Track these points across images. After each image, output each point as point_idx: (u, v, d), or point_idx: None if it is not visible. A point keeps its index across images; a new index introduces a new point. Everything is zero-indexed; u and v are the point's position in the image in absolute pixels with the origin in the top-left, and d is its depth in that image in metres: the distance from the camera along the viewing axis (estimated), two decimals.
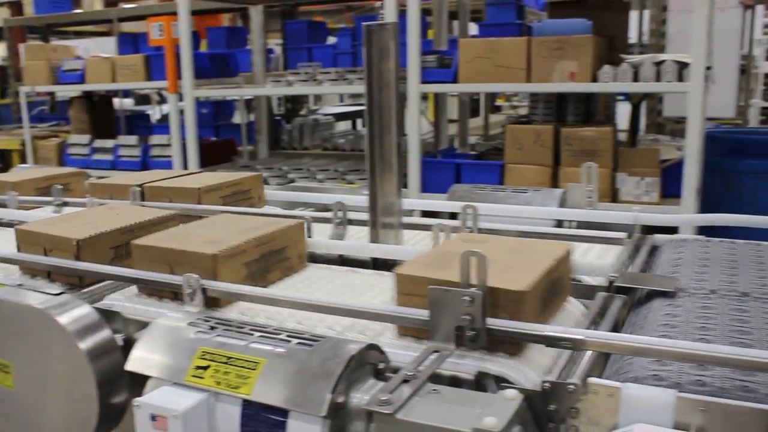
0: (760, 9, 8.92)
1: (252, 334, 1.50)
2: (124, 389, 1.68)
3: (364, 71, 2.12)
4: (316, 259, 2.21)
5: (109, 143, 6.50)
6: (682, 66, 4.04)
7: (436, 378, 1.36)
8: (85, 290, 1.96)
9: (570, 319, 1.70)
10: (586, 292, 1.84)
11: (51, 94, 8.53)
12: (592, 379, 1.31)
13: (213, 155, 6.24)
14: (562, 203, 2.58)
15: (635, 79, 4.18)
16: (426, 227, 2.39)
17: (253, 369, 1.40)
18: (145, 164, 6.20)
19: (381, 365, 1.43)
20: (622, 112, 5.97)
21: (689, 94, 3.97)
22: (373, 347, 1.43)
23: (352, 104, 9.73)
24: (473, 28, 6.18)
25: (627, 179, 4.38)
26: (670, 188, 4.27)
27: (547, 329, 1.41)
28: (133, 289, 1.95)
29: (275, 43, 7.96)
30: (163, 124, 7.58)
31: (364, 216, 2.29)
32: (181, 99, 5.71)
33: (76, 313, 1.72)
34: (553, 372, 1.39)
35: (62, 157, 6.75)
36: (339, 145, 6.75)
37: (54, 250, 2.04)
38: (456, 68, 4.69)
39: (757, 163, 4.95)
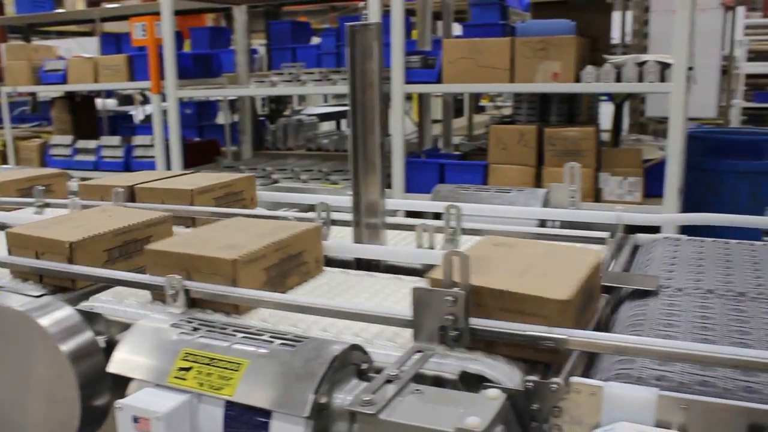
0: (740, 10, 9.00)
1: (235, 335, 1.50)
2: (106, 391, 1.67)
3: (347, 71, 2.12)
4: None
5: (91, 144, 6.46)
6: (665, 66, 4.06)
7: (419, 378, 1.37)
8: (76, 292, 1.95)
9: None
10: None
11: (32, 94, 8.48)
12: (575, 378, 1.31)
13: (196, 156, 6.21)
14: (546, 203, 2.59)
15: (618, 79, 4.20)
16: (410, 227, 2.39)
17: (236, 370, 1.40)
18: (128, 165, 6.17)
19: (364, 365, 1.43)
20: (605, 112, 6.00)
21: (671, 95, 4.00)
22: (356, 347, 1.43)
23: (336, 105, 9.74)
24: (457, 29, 6.19)
25: (610, 179, 4.40)
26: (653, 188, 4.29)
27: (529, 329, 1.42)
28: (121, 291, 1.93)
29: (259, 43, 7.93)
30: (146, 125, 7.53)
31: (348, 216, 2.29)
32: (164, 99, 5.68)
33: (57, 315, 1.71)
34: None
35: (44, 158, 6.70)
36: (323, 146, 6.74)
37: (46, 253, 2.01)
38: (440, 68, 4.69)
39: (738, 162, 5.00)
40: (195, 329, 1.55)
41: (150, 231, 2.19)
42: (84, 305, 1.85)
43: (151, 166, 5.84)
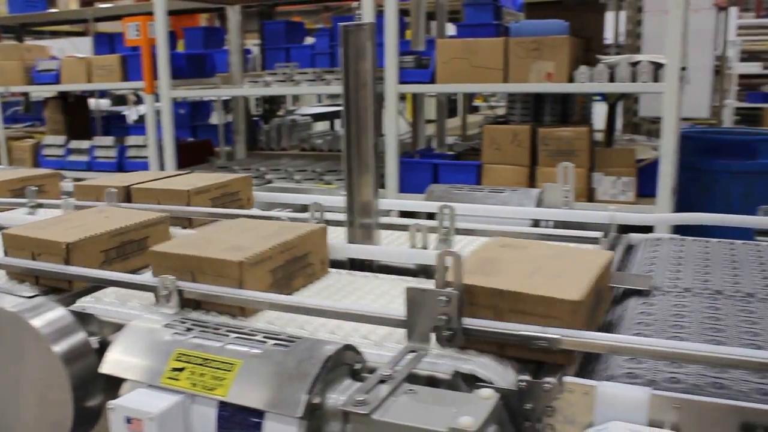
0: (733, 11, 9.02)
1: (228, 336, 1.50)
2: (99, 392, 1.67)
3: (341, 72, 2.12)
4: None
5: (84, 144, 6.44)
6: (658, 66, 4.08)
7: (413, 378, 1.37)
8: (70, 293, 1.94)
9: None
10: None
11: (25, 94, 8.44)
12: (568, 378, 1.32)
13: (190, 156, 6.20)
14: (539, 203, 2.60)
15: (611, 79, 4.21)
16: (403, 227, 2.39)
17: (229, 370, 1.40)
18: (121, 165, 6.17)
19: (357, 366, 1.43)
20: (599, 112, 6.02)
21: (664, 95, 4.01)
22: (349, 348, 1.43)
23: (330, 105, 9.72)
24: (451, 29, 6.19)
25: (603, 179, 4.41)
26: (646, 188, 4.30)
27: (522, 328, 1.42)
28: (124, 292, 1.91)
29: (253, 43, 7.93)
30: (139, 125, 7.53)
31: (342, 216, 2.29)
32: (157, 99, 5.67)
33: (50, 316, 1.70)
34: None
35: (37, 158, 6.68)
36: (317, 146, 6.74)
37: (43, 254, 2.00)
38: (434, 69, 4.69)
39: (730, 162, 5.01)
40: (188, 330, 1.55)
41: (147, 232, 2.18)
42: (77, 306, 1.84)
43: (144, 167, 5.84)
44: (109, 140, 6.40)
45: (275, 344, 1.44)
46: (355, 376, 1.42)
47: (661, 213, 3.84)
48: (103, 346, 1.69)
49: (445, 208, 2.27)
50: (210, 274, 1.76)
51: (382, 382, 1.29)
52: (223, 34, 7.24)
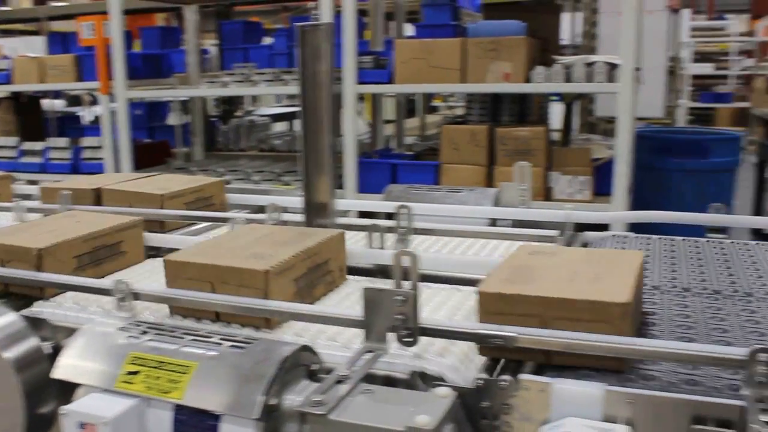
0: (686, 13, 9.20)
1: (183, 338, 1.48)
2: (52, 398, 1.64)
3: (298, 72, 2.11)
4: None
5: (38, 146, 6.32)
6: (613, 67, 4.13)
7: (370, 378, 1.37)
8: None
9: None
10: None
11: None
12: (524, 376, 1.33)
13: (147, 157, 6.12)
14: (497, 202, 2.62)
15: (567, 79, 4.26)
16: (362, 228, 2.39)
17: (185, 373, 1.38)
18: (76, 167, 6.06)
19: (315, 366, 1.43)
20: (556, 112, 6.09)
21: (619, 95, 4.07)
22: (306, 348, 1.43)
23: (288, 105, 9.68)
24: (409, 29, 6.21)
25: (560, 178, 4.46)
26: (602, 186, 4.37)
27: (478, 327, 1.42)
28: (76, 295, 1.89)
29: (210, 43, 7.84)
30: (95, 126, 7.40)
31: (300, 217, 2.28)
32: (113, 100, 5.59)
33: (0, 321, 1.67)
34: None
35: None
36: (275, 147, 6.70)
37: (12, 261, 1.93)
38: (392, 69, 4.70)
39: (684, 161, 5.12)
40: (143, 333, 1.53)
41: (120, 236, 2.13)
42: (30, 311, 1.81)
43: (100, 168, 5.74)
44: (63, 141, 6.28)
45: (231, 346, 1.43)
46: (313, 376, 1.41)
47: (617, 211, 3.89)
48: (57, 351, 1.66)
49: (402, 208, 2.28)
50: (232, 284, 1.68)
51: (339, 382, 1.29)
52: (180, 34, 7.15)
